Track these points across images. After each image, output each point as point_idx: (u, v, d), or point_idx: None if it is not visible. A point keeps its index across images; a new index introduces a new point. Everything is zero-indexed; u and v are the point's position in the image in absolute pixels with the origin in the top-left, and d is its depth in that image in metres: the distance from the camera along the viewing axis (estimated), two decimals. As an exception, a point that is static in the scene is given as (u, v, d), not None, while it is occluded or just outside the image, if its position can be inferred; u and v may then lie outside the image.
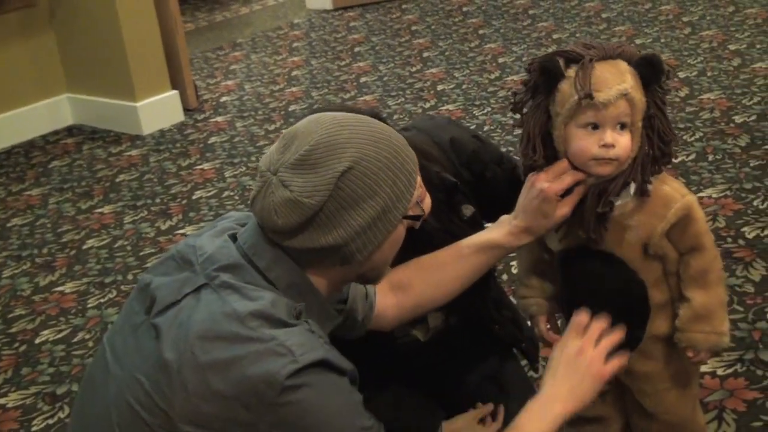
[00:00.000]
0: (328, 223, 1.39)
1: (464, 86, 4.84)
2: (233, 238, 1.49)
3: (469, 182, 1.95)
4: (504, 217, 1.79)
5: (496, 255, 1.80)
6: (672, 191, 1.77)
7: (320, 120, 1.44)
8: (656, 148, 1.73)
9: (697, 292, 1.79)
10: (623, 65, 1.69)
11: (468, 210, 1.92)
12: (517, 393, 2.03)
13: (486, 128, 4.24)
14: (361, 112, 1.74)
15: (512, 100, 1.78)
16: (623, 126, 1.68)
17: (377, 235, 1.43)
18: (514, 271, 3.01)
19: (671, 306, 1.84)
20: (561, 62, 1.69)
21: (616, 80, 1.66)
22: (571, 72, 1.68)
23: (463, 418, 1.97)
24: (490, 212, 2.04)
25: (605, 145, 1.67)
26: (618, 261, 1.79)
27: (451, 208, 1.90)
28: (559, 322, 1.99)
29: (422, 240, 1.76)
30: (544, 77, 1.69)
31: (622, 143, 1.68)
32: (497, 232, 1.77)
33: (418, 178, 1.73)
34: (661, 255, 1.79)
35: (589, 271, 1.82)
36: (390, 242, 1.47)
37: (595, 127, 1.68)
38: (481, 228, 1.98)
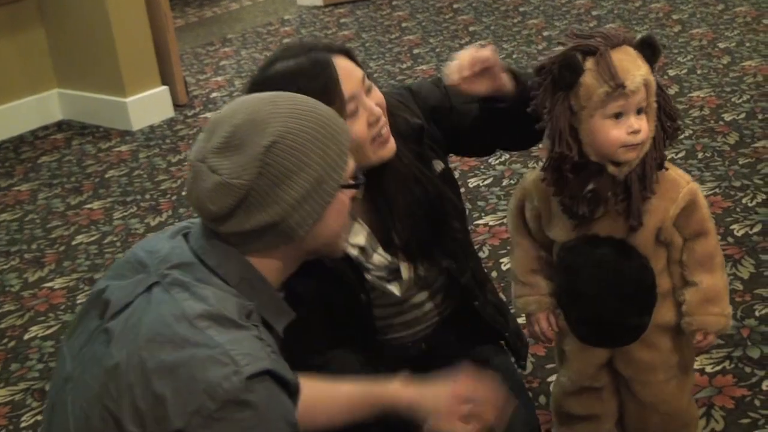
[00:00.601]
0: (262, 201, 1.38)
1: (454, 83, 4.83)
2: (187, 237, 1.48)
3: (440, 141, 1.96)
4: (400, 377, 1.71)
5: (371, 409, 1.67)
6: (678, 177, 1.83)
7: (242, 101, 1.44)
8: (666, 124, 1.76)
9: (704, 276, 1.84)
10: (631, 50, 1.72)
11: (438, 165, 1.95)
12: (503, 381, 2.03)
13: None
14: (332, 49, 1.76)
15: (532, 103, 1.77)
16: (640, 110, 1.71)
17: (315, 208, 1.42)
18: (504, 268, 3.02)
19: (673, 295, 1.87)
20: (579, 56, 1.70)
21: (634, 67, 1.69)
22: (589, 64, 1.69)
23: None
24: (477, 145, 2.05)
25: (634, 132, 1.70)
26: (631, 248, 1.81)
27: (423, 160, 1.91)
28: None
29: (396, 189, 1.81)
30: (568, 73, 1.69)
31: (644, 127, 1.72)
32: (378, 387, 1.68)
33: (383, 126, 1.74)
34: (668, 242, 1.82)
35: (601, 259, 1.83)
36: (332, 214, 1.45)
37: (618, 115, 1.70)
38: (454, 184, 2.01)
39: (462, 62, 1.79)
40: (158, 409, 1.31)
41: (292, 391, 1.40)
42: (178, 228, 1.53)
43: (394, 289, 1.91)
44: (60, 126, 4.91)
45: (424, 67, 5.13)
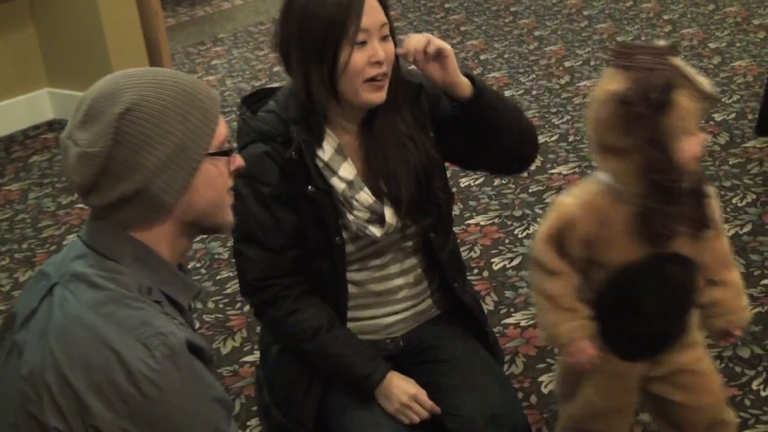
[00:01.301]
0: (122, 169, 1.39)
1: (446, 83, 4.84)
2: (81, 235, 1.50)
3: (430, 118, 2.02)
4: None
5: None
6: None
7: (106, 78, 1.46)
8: None
9: (729, 273, 1.89)
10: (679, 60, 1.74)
11: (431, 133, 2.01)
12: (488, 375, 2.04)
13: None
14: None
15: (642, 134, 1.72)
16: None
17: (180, 174, 1.41)
18: (495, 267, 3.02)
19: None
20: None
21: (700, 76, 1.71)
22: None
23: (404, 378, 2.00)
24: (458, 144, 2.06)
25: (704, 143, 1.74)
26: (688, 259, 1.83)
27: (420, 124, 1.98)
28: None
29: (391, 140, 1.91)
30: (668, 97, 1.66)
31: None
32: None
33: (383, 76, 1.85)
34: None
35: (669, 275, 1.83)
36: (203, 182, 1.44)
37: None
38: (439, 154, 2.02)
39: (419, 38, 1.94)
40: (78, 403, 1.32)
41: (207, 358, 1.42)
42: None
43: (376, 230, 1.95)
44: (51, 125, 4.90)
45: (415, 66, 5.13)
